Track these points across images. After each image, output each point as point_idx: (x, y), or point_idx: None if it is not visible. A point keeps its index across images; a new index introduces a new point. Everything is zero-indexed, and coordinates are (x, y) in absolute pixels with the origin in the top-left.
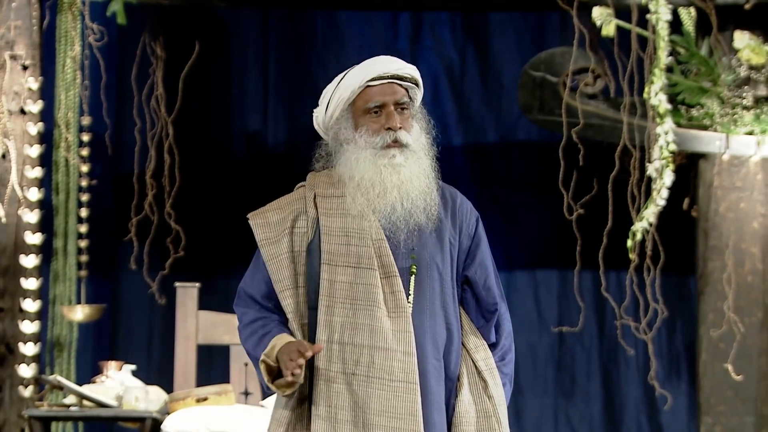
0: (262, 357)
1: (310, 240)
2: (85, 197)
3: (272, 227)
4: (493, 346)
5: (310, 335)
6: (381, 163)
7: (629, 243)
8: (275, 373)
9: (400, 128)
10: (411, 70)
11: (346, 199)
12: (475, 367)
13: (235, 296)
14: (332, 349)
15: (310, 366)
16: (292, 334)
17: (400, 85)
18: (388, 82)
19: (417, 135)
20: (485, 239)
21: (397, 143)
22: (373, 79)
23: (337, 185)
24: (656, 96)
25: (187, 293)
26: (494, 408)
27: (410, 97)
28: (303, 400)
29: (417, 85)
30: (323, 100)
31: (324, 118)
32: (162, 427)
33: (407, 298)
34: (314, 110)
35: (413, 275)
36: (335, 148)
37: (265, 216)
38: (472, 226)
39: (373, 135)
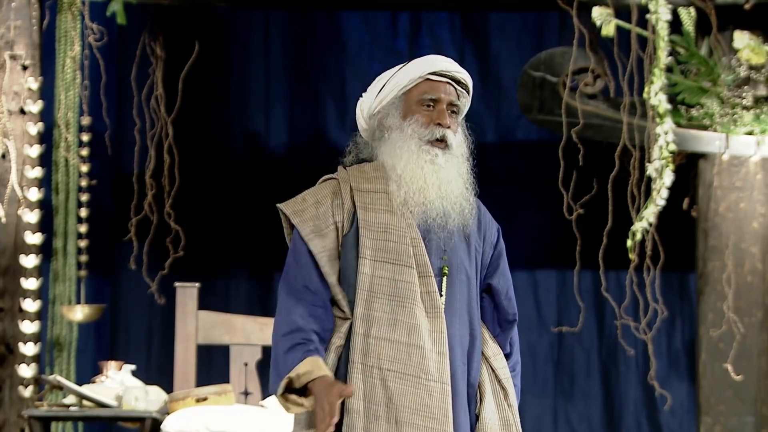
0: (292, 374)
1: (345, 233)
2: (84, 197)
3: (318, 220)
4: (506, 357)
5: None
6: (423, 158)
7: (629, 243)
8: (291, 389)
9: (449, 128)
10: (468, 78)
11: (386, 194)
12: (495, 374)
13: (235, 297)
14: (369, 343)
15: (346, 358)
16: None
17: (456, 89)
18: (448, 82)
19: (460, 140)
20: (505, 250)
21: (442, 142)
22: (433, 73)
23: (374, 180)
24: (656, 96)
25: (187, 293)
26: (513, 417)
27: (461, 106)
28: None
29: (468, 94)
30: (376, 85)
31: (372, 103)
32: (162, 427)
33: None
34: (362, 95)
35: (445, 276)
36: (377, 136)
37: (308, 210)
38: (495, 236)
39: (422, 126)
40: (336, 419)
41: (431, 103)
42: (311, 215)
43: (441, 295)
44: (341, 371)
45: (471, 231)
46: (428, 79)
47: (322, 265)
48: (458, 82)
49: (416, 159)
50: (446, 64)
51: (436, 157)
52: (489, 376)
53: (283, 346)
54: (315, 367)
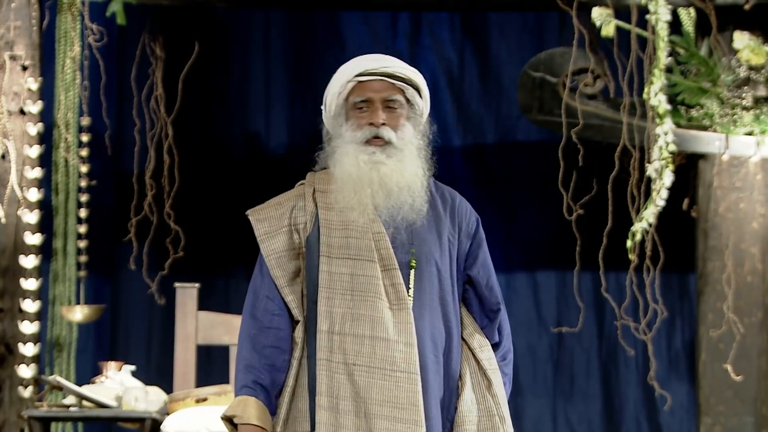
0: (225, 415)
1: (308, 233)
2: (84, 197)
3: (271, 222)
4: (495, 346)
5: (311, 327)
6: (361, 159)
7: (629, 243)
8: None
9: (383, 125)
10: (406, 71)
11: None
12: (479, 366)
13: (235, 297)
14: (333, 339)
15: (312, 356)
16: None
17: (393, 84)
18: (379, 79)
19: (406, 134)
20: (485, 240)
21: (378, 140)
22: (361, 75)
23: (335, 181)
24: (656, 96)
25: (187, 293)
26: (497, 407)
27: (407, 98)
28: (302, 392)
29: (414, 86)
30: (324, 96)
31: (326, 114)
32: (161, 427)
33: (407, 292)
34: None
35: (413, 269)
36: (330, 143)
37: (265, 212)
38: (473, 226)
39: (356, 130)
40: None
41: (363, 105)
42: (266, 216)
43: (409, 288)
44: (311, 372)
45: (443, 223)
46: (359, 81)
47: (271, 268)
48: (392, 76)
49: (354, 160)
50: (371, 62)
51: (373, 155)
52: (472, 368)
53: (238, 367)
54: (246, 413)
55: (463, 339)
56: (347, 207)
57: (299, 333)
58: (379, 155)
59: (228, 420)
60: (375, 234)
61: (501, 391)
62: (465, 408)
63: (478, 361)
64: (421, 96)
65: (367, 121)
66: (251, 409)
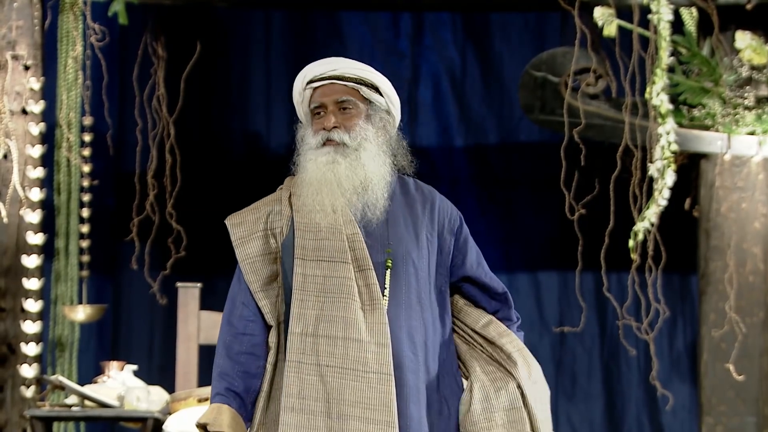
0: (198, 422)
1: (284, 237)
2: (86, 197)
3: (246, 227)
4: (513, 323)
5: (285, 330)
6: (320, 161)
7: (631, 243)
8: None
9: (334, 127)
10: (356, 71)
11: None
12: (502, 351)
13: None
14: (306, 341)
15: (283, 358)
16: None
17: (345, 85)
18: (329, 83)
19: (361, 134)
20: (470, 234)
21: (331, 142)
22: (312, 81)
23: (303, 185)
24: (658, 96)
25: (189, 293)
26: (525, 396)
27: (364, 97)
28: (276, 396)
29: (369, 85)
30: None
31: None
32: (163, 427)
33: (383, 292)
34: None
35: (389, 269)
36: (300, 149)
37: (240, 217)
38: (455, 222)
39: (314, 135)
40: None
41: (319, 110)
42: (241, 221)
43: (384, 288)
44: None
45: (420, 221)
46: (314, 87)
47: (245, 273)
48: (342, 78)
49: (314, 164)
50: (319, 67)
51: (328, 156)
52: (484, 362)
53: (213, 374)
54: (218, 420)
55: (477, 333)
56: (312, 209)
57: (272, 338)
58: (333, 155)
59: (202, 427)
60: (349, 235)
61: (525, 372)
62: (479, 406)
63: (500, 348)
64: (380, 93)
65: (321, 126)
66: (224, 417)
